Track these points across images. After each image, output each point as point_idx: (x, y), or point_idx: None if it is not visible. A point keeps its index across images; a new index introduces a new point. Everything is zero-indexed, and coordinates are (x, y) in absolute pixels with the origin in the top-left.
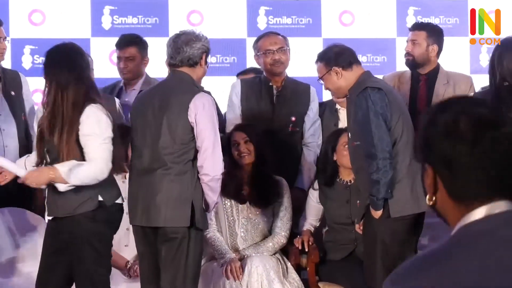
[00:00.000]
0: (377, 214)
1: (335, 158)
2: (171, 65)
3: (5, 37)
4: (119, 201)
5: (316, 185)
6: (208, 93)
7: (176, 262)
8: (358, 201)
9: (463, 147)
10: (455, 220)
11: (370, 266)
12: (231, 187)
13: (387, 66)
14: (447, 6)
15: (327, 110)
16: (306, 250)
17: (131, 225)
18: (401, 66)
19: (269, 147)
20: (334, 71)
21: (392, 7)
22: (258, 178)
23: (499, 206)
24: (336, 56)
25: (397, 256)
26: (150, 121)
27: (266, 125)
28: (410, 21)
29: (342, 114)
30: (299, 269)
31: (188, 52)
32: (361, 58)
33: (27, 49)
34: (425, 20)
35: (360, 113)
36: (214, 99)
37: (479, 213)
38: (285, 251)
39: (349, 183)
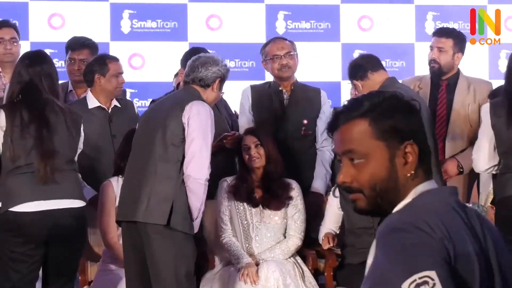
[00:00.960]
0: None
1: None
2: (184, 82)
3: (12, 38)
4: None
5: (337, 192)
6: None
7: (156, 261)
8: None
9: (420, 121)
10: (408, 191)
11: None
12: (243, 190)
13: (406, 71)
14: (465, 11)
15: None
16: (332, 245)
17: None
18: (420, 71)
19: (280, 151)
20: (354, 84)
21: (411, 12)
22: (269, 181)
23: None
24: (352, 70)
25: None
26: (152, 123)
27: (277, 129)
28: (429, 26)
29: None
30: (316, 273)
31: (202, 73)
32: None
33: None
34: (444, 25)
35: None
36: (212, 112)
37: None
38: (302, 255)
39: None
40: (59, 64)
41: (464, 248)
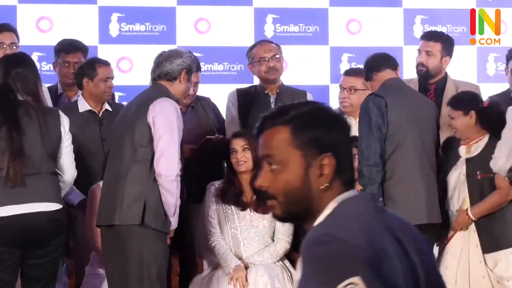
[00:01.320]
0: None
1: None
2: (152, 79)
3: (12, 43)
4: None
5: None
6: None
7: (132, 262)
8: None
9: (344, 134)
10: (328, 201)
11: None
12: (230, 194)
13: None
14: (454, 14)
15: None
16: None
17: None
18: (408, 74)
19: None
20: (365, 85)
21: (399, 16)
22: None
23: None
24: (365, 71)
25: None
26: (123, 125)
27: None
28: (417, 29)
29: (348, 122)
30: None
31: (166, 66)
32: None
33: (34, 56)
34: (433, 28)
35: (359, 117)
36: (178, 107)
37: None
38: (290, 259)
39: None
40: (47, 67)
41: (386, 251)
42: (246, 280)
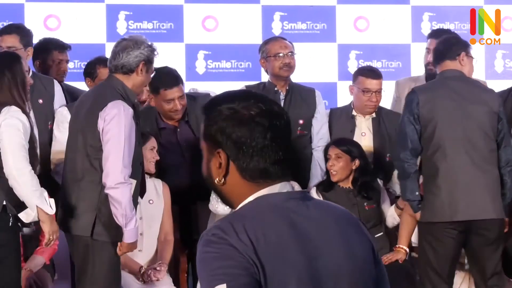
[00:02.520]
0: (416, 216)
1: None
2: (109, 70)
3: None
4: None
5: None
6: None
7: (83, 275)
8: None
9: (260, 133)
10: (244, 197)
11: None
12: None
13: (402, 72)
14: (462, 11)
15: (343, 116)
16: None
17: (144, 230)
18: (416, 71)
19: None
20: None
21: (407, 13)
22: None
23: (284, 186)
24: (435, 52)
25: (445, 261)
26: (74, 127)
27: None
28: (425, 26)
29: (359, 120)
30: None
31: (123, 58)
32: (376, 63)
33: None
34: (440, 26)
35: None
36: (129, 110)
37: (272, 189)
38: None
39: (350, 188)
40: None
41: (278, 255)
42: None
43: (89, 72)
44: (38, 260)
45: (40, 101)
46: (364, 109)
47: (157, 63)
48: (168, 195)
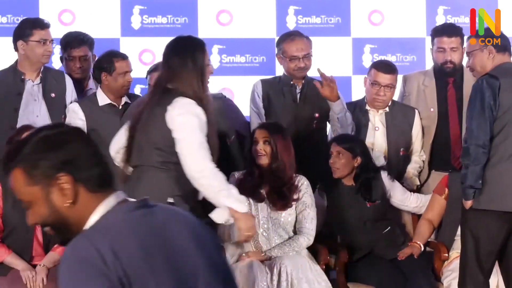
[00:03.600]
0: (466, 204)
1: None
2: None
3: (52, 40)
4: None
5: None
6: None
7: None
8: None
9: (89, 149)
10: (92, 210)
11: (460, 260)
12: (247, 185)
13: (417, 66)
14: (477, 5)
15: (357, 110)
16: None
17: None
18: (431, 65)
19: (291, 150)
20: (488, 50)
21: (422, 6)
22: (274, 180)
23: (117, 196)
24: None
25: (489, 252)
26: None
27: (290, 123)
28: (440, 20)
29: (372, 115)
30: (327, 269)
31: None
32: (391, 57)
33: (57, 48)
34: (455, 19)
35: (471, 96)
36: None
37: (110, 202)
38: (313, 250)
39: (353, 186)
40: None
41: (138, 267)
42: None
43: (106, 66)
44: (54, 256)
45: (53, 95)
46: (373, 102)
47: None
48: None
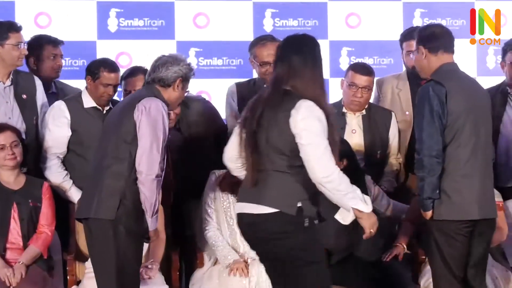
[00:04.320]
0: (426, 215)
1: None
2: (146, 82)
3: (25, 42)
4: None
5: None
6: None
7: (102, 260)
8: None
9: None
10: None
11: (432, 273)
12: (228, 182)
13: (394, 68)
14: (453, 7)
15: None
16: None
17: None
18: (404, 69)
19: None
20: (421, 51)
21: (399, 9)
22: None
23: None
24: (428, 38)
25: (458, 261)
26: (109, 123)
27: None
28: (417, 23)
29: (349, 117)
30: None
31: (162, 72)
32: (368, 60)
33: None
34: (432, 22)
35: (418, 105)
36: (165, 107)
37: None
38: None
39: None
40: None
41: None
42: (247, 270)
43: (93, 72)
44: (33, 252)
45: (24, 96)
46: (350, 104)
47: (149, 60)
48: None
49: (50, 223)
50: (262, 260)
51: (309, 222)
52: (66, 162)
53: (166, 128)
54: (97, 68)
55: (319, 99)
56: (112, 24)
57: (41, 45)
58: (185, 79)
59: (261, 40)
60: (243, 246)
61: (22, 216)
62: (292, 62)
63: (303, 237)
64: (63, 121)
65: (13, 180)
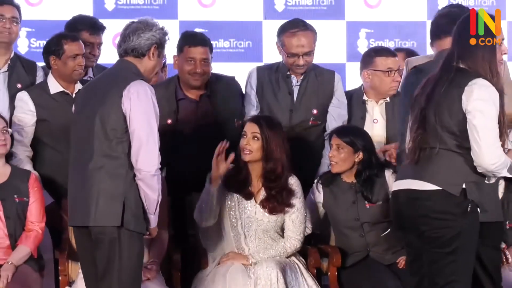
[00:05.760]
0: None
1: None
2: (119, 54)
3: (13, 17)
4: None
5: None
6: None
7: (109, 267)
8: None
9: None
10: None
11: None
12: (235, 180)
13: (417, 52)
14: None
15: (353, 100)
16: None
17: None
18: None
19: (286, 148)
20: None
21: None
22: (268, 180)
23: None
24: (433, 25)
25: None
26: (87, 112)
27: (284, 118)
28: (442, 2)
29: (370, 105)
30: (318, 274)
31: (133, 41)
32: (388, 43)
33: (23, 31)
34: (459, 1)
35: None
36: (153, 90)
37: None
38: (303, 253)
39: (353, 183)
40: (37, 44)
41: None
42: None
43: (53, 50)
44: (22, 251)
45: (19, 85)
46: (389, 91)
47: None
48: (164, 189)
49: (40, 219)
50: (408, 244)
51: (472, 207)
52: (36, 155)
53: (157, 114)
54: (57, 44)
55: (492, 79)
56: (109, 2)
57: (76, 30)
58: (160, 46)
59: (292, 27)
60: (248, 249)
61: (7, 214)
62: (464, 39)
63: (463, 223)
64: (25, 117)
65: None
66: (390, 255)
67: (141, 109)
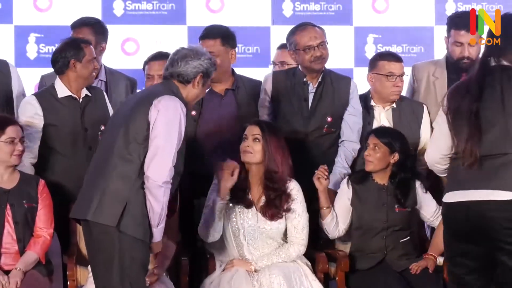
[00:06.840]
0: None
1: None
2: (163, 77)
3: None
4: None
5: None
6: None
7: (98, 263)
8: None
9: None
10: None
11: None
12: (234, 189)
13: (424, 57)
14: None
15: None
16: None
17: None
18: (440, 57)
19: (285, 151)
20: None
21: None
22: (266, 186)
23: None
24: None
25: None
26: (118, 118)
27: (298, 125)
28: (450, 8)
29: (377, 111)
30: (326, 279)
31: (181, 67)
32: (396, 48)
33: (32, 37)
34: (466, 7)
35: None
36: (184, 108)
37: None
38: (310, 257)
39: (384, 186)
40: (46, 49)
41: None
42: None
43: (75, 53)
44: (30, 257)
45: None
46: (390, 96)
47: (158, 47)
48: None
49: (48, 225)
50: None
51: None
52: (44, 161)
53: (182, 131)
54: (77, 47)
55: None
56: (118, 7)
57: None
58: (206, 75)
59: (301, 25)
60: (252, 257)
61: (16, 219)
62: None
63: None
64: (33, 121)
65: (7, 178)
66: (404, 260)
67: (165, 121)
